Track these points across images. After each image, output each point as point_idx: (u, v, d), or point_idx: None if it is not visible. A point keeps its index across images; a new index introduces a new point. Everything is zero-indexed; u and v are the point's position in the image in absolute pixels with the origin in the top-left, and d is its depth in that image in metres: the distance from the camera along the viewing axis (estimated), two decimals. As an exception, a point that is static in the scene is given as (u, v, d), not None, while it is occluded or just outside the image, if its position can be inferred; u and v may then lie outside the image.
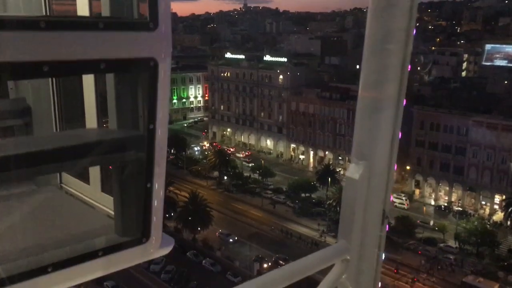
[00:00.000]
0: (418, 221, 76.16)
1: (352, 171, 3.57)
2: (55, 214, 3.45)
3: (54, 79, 4.10)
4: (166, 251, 3.15)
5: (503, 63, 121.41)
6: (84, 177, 3.57)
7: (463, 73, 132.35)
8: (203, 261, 66.63)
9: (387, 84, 3.61)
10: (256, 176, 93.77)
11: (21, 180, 3.57)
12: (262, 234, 76.17)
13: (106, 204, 3.19)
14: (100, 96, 3.51)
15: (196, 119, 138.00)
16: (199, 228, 71.37)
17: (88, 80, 3.53)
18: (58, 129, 3.98)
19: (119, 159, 2.94)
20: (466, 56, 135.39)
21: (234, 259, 68.14)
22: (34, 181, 3.69)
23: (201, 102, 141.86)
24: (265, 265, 65.65)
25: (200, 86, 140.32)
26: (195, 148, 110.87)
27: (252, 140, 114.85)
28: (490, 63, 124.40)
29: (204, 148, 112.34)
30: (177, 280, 62.73)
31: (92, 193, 3.41)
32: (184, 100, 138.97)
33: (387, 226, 3.70)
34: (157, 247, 3.05)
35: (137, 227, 2.99)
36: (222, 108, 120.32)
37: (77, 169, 3.36)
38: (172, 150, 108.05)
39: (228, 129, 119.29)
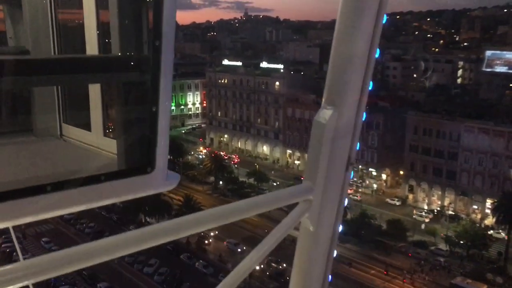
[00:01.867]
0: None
1: (321, 116, 3.59)
2: (55, 158, 3.32)
3: (54, 29, 3.90)
4: (171, 185, 3.08)
5: (503, 69, 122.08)
6: (85, 126, 3.42)
7: (459, 80, 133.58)
8: (196, 264, 67.61)
9: (361, 34, 3.57)
10: (251, 181, 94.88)
11: (20, 126, 3.51)
12: (256, 237, 77.00)
13: (109, 148, 3.08)
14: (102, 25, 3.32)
15: (194, 126, 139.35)
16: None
17: (89, 9, 3.37)
18: None
19: (122, 79, 2.83)
20: (461, 63, 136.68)
21: (228, 262, 69.09)
22: (33, 132, 3.56)
23: (199, 108, 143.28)
24: (257, 267, 66.61)
25: (198, 93, 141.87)
26: (192, 154, 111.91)
27: (249, 146, 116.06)
28: (490, 69, 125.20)
29: (200, 154, 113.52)
30: (170, 281, 63.69)
31: (94, 140, 3.28)
32: (182, 106, 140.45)
33: (352, 173, 3.74)
34: (162, 179, 2.98)
35: (141, 154, 2.90)
36: (219, 115, 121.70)
37: (78, 83, 3.11)
38: (169, 156, 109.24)
39: (225, 135, 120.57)
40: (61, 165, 3.29)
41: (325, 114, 3.63)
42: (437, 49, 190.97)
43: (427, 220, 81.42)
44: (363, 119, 3.81)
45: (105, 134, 3.25)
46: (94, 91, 3.31)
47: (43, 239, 73.78)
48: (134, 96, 2.90)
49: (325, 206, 3.64)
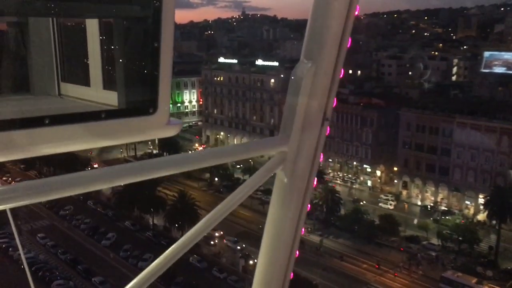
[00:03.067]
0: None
1: (299, 69, 3.57)
2: (53, 115, 3.11)
3: None
4: (174, 130, 3.04)
5: (501, 70, 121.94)
6: (84, 82, 3.33)
7: (454, 78, 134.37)
8: (190, 258, 68.24)
9: None
10: (247, 177, 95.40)
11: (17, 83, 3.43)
12: (250, 232, 77.72)
13: (109, 101, 2.99)
14: None
15: (190, 123, 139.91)
16: (188, 227, 72.99)
17: None
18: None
19: (121, 12, 2.76)
20: (456, 61, 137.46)
21: (221, 256, 69.84)
22: (30, 92, 3.50)
23: (196, 106, 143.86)
24: (251, 262, 67.30)
25: (194, 91, 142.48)
26: (188, 151, 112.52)
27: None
28: (489, 70, 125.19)
29: (196, 150, 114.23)
30: (164, 275, 64.25)
31: (94, 94, 3.20)
32: (179, 104, 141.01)
33: (328, 129, 3.76)
34: (165, 123, 2.91)
35: (142, 93, 2.86)
36: (215, 112, 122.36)
37: (72, 14, 2.99)
38: (165, 153, 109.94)
39: (221, 133, 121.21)
40: None
41: (303, 68, 3.58)
42: (433, 47, 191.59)
43: (391, 207, 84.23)
44: (341, 76, 3.74)
45: (105, 87, 3.11)
46: (93, 40, 3.14)
47: (38, 235, 74.40)
48: (134, 31, 2.79)
49: (300, 160, 3.62)
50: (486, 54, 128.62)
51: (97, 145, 2.89)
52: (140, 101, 2.87)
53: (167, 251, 3.32)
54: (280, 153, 3.57)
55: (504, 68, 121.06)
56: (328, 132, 3.78)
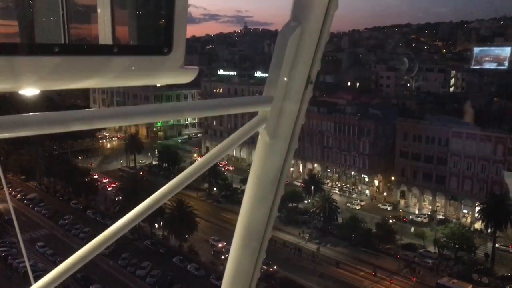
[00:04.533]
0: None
1: (285, 30, 3.53)
2: (62, 43, 2.88)
3: None
4: (189, 76, 2.95)
5: (492, 66, 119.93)
6: (94, 38, 3.08)
7: (451, 89, 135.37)
8: (188, 266, 68.72)
9: None
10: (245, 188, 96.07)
11: None
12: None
13: (121, 35, 2.83)
14: None
15: (190, 135, 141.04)
16: (186, 236, 73.60)
17: None
18: None
19: None
20: (453, 72, 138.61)
21: (219, 264, 70.24)
22: None
23: (196, 118, 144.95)
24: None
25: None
26: (187, 162, 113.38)
27: (244, 154, 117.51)
28: (479, 66, 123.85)
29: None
30: (162, 283, 64.80)
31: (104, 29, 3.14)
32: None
33: (312, 90, 3.74)
34: (179, 65, 2.84)
35: (156, 29, 2.77)
36: (214, 124, 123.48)
37: None
38: (164, 164, 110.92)
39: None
40: None
41: (289, 29, 3.53)
42: (432, 60, 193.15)
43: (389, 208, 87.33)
44: (327, 40, 3.72)
45: (117, 22, 2.88)
46: None
47: (38, 244, 75.00)
48: None
49: (282, 120, 3.63)
50: (476, 50, 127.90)
51: (108, 83, 2.76)
52: (153, 39, 2.80)
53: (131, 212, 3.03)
54: (263, 112, 3.58)
55: (495, 64, 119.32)
56: (312, 93, 3.73)
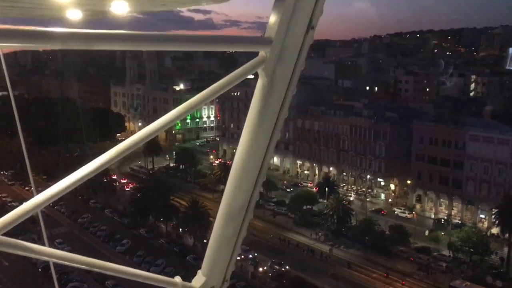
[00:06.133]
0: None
1: None
2: None
3: None
4: None
5: None
6: None
7: (472, 94, 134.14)
8: (200, 264, 69.45)
9: None
10: (262, 191, 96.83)
11: None
12: (262, 242, 78.79)
13: None
14: None
15: (208, 138, 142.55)
16: (200, 234, 74.53)
17: None
18: None
19: None
20: (474, 77, 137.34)
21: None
22: None
23: (214, 122, 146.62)
24: (260, 269, 68.26)
25: (213, 106, 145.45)
26: (204, 164, 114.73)
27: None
28: None
29: (213, 164, 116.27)
30: (175, 280, 65.72)
31: None
32: (197, 120, 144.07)
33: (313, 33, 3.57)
34: None
35: None
36: (232, 127, 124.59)
37: None
38: (181, 166, 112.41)
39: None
40: None
41: None
42: (453, 65, 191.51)
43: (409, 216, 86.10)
44: None
45: None
46: None
47: (56, 240, 76.83)
48: None
49: (282, 62, 3.58)
50: (511, 50, 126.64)
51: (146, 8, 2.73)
52: None
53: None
54: (263, 53, 3.56)
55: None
56: (313, 40, 3.68)
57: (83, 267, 3.04)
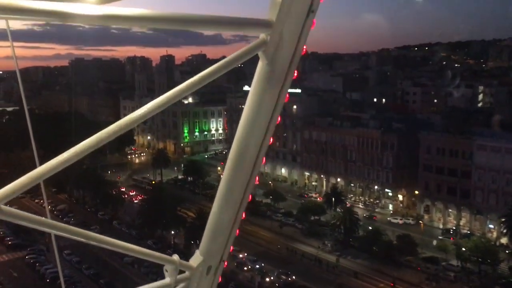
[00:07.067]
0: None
1: None
2: None
3: None
4: None
5: None
6: None
7: (480, 104, 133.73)
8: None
9: None
10: (268, 200, 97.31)
11: None
12: (269, 252, 78.85)
13: None
14: None
15: (216, 151, 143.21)
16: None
17: None
18: None
19: None
20: (482, 88, 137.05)
21: (238, 273, 71.09)
22: None
23: (222, 134, 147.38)
24: (267, 279, 68.26)
25: (221, 119, 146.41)
26: (211, 176, 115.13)
27: (268, 169, 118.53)
28: None
29: (221, 176, 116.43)
30: None
31: None
32: (205, 132, 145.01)
33: (314, 22, 3.73)
34: None
35: None
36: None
37: None
38: (189, 178, 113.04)
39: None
40: None
41: None
42: (461, 77, 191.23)
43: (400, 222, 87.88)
44: None
45: None
46: None
47: (65, 252, 77.42)
48: None
49: (282, 46, 3.61)
50: None
51: None
52: None
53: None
54: (263, 35, 3.57)
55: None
56: (313, 25, 3.73)
57: (82, 239, 3.21)
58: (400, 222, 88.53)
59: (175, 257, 3.93)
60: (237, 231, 4.49)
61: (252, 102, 3.85)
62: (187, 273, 4.16)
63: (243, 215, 4.38)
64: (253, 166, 4.05)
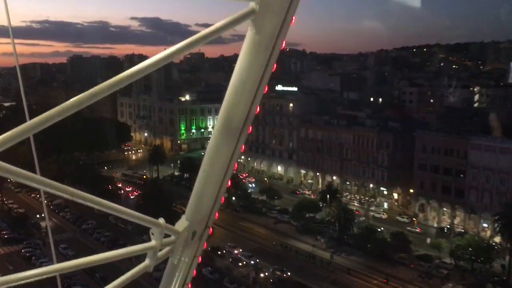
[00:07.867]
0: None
1: None
2: None
3: None
4: None
5: None
6: None
7: (476, 105, 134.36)
8: (203, 270, 70.01)
9: None
10: (264, 198, 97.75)
11: None
12: (264, 249, 79.24)
13: None
14: None
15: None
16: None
17: None
18: None
19: None
20: (477, 88, 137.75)
21: (233, 269, 71.44)
22: None
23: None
24: (262, 275, 68.67)
25: (217, 117, 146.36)
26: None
27: (264, 167, 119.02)
28: None
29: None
30: (176, 284, 66.20)
31: None
32: (202, 130, 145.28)
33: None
34: None
35: None
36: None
37: None
38: (185, 175, 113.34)
39: (242, 156, 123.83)
40: None
41: None
42: (458, 77, 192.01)
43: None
44: None
45: None
46: None
47: (60, 245, 77.69)
48: None
49: (271, 14, 3.57)
50: None
51: None
52: None
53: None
54: (253, 4, 3.57)
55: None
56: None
57: (68, 196, 3.20)
58: (407, 220, 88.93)
59: (161, 220, 4.01)
60: (223, 198, 4.52)
61: (240, 71, 3.81)
62: (172, 237, 4.23)
63: (229, 183, 4.42)
64: (239, 134, 4.05)
